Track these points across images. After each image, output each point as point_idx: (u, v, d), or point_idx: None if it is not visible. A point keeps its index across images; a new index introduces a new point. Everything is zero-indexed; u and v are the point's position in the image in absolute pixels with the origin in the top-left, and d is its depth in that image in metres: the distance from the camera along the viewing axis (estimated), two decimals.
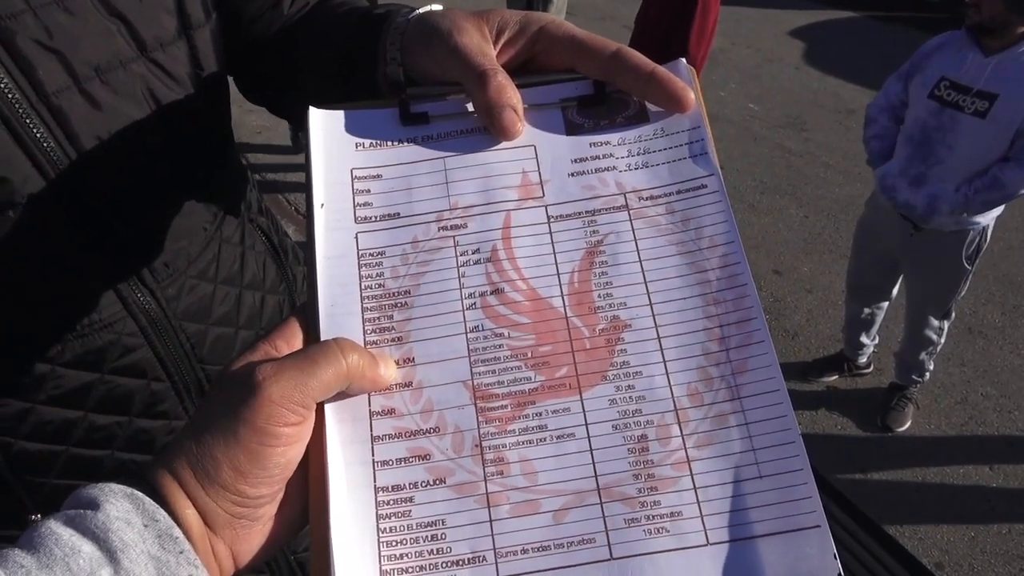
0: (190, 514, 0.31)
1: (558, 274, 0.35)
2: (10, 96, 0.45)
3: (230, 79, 0.63)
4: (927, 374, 2.51)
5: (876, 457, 2.48)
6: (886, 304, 2.59)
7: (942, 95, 2.03)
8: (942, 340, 2.44)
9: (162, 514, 0.30)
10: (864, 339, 2.67)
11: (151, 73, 0.52)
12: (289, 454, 0.31)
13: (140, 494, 0.30)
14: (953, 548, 2.19)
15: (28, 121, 0.46)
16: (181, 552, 0.29)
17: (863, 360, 2.75)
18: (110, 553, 0.28)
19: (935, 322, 2.38)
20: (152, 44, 0.52)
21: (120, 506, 0.30)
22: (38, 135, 0.47)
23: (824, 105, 4.83)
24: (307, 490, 0.31)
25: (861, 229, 2.50)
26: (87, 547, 0.28)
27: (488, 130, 0.38)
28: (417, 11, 0.46)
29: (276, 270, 0.71)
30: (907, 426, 2.57)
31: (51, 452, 0.56)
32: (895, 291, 2.55)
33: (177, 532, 0.30)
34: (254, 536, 0.32)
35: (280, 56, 0.59)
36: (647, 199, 0.37)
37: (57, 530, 0.29)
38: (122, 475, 0.32)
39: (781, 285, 3.33)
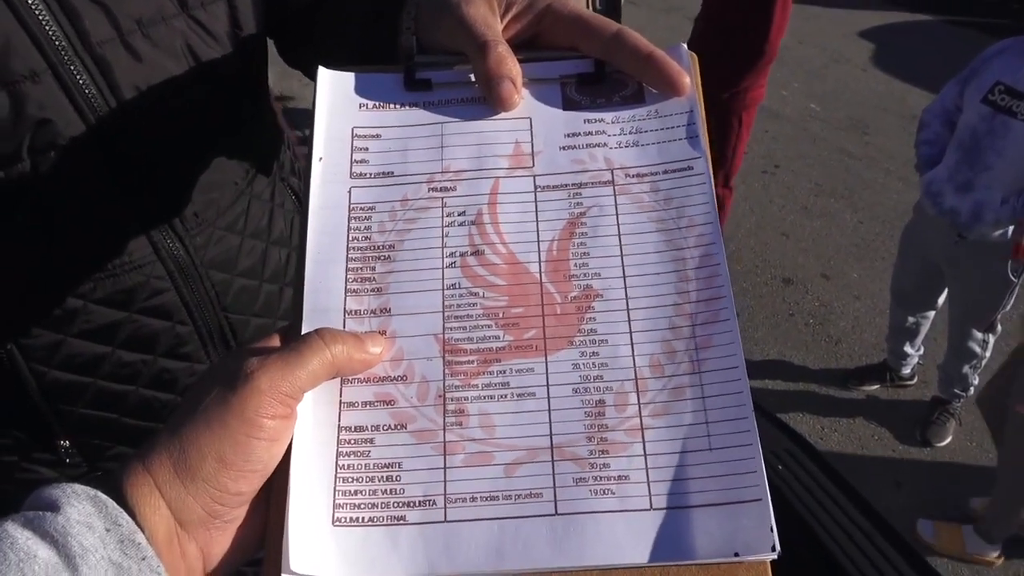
0: (159, 517, 0.30)
1: (538, 241, 0.37)
2: (57, 43, 0.48)
3: (270, 43, 0.65)
4: (971, 389, 2.44)
5: (912, 471, 2.42)
6: (931, 314, 2.52)
7: (996, 100, 1.96)
8: (987, 354, 2.36)
9: (125, 518, 0.29)
10: (908, 349, 2.61)
11: (191, 30, 0.55)
12: (273, 450, 0.31)
13: (104, 496, 0.29)
14: (985, 570, 2.14)
15: (72, 68, 0.49)
16: (144, 558, 0.28)
17: (906, 371, 2.69)
18: (68, 558, 0.27)
19: (978, 335, 2.31)
20: (193, 2, 0.55)
21: (82, 508, 0.29)
22: (81, 82, 0.50)
23: (889, 109, 4.69)
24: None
25: (907, 234, 2.44)
26: (44, 552, 0.27)
27: (487, 100, 0.39)
28: None
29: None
30: (947, 441, 2.50)
31: (80, 383, 0.60)
32: (941, 300, 2.48)
33: (140, 537, 0.29)
34: (226, 538, 0.31)
35: (314, 21, 0.61)
36: (633, 176, 0.38)
37: (13, 532, 0.28)
38: (95, 479, 0.32)
39: (828, 290, 3.26)
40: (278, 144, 0.71)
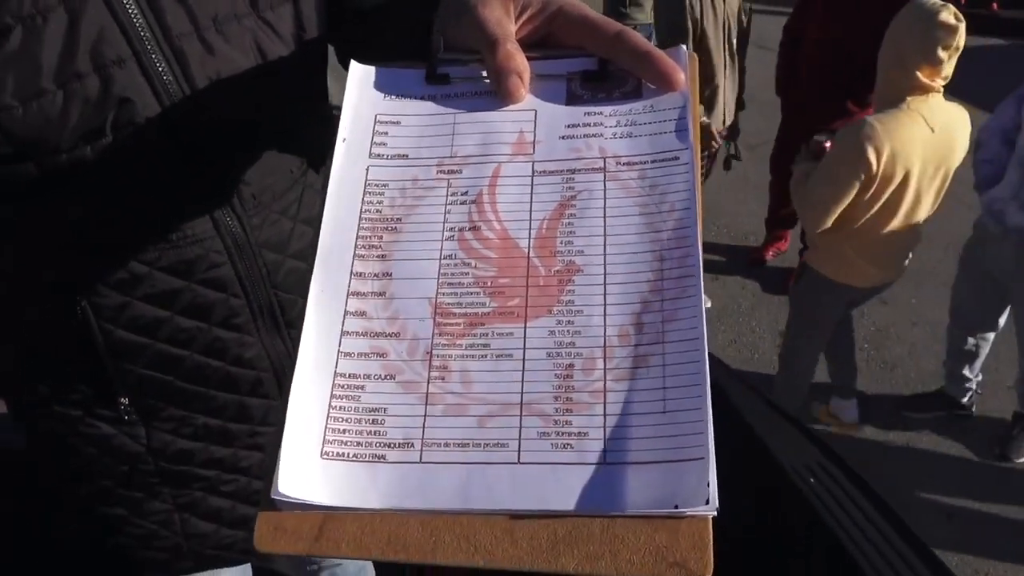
0: None
1: (530, 220, 0.40)
2: (142, 34, 0.55)
3: (331, 50, 0.71)
4: None
5: (964, 503, 2.34)
6: (991, 335, 2.46)
7: None
8: None
9: None
10: (967, 372, 2.54)
11: (260, 29, 0.61)
12: None
13: None
14: None
15: (154, 56, 0.56)
16: None
17: (965, 399, 2.61)
18: None
19: None
20: (264, 4, 0.61)
21: None
22: (160, 69, 0.57)
23: None
24: None
25: (967, 254, 2.39)
26: None
27: (496, 93, 0.43)
28: None
29: None
30: None
31: (142, 344, 0.67)
32: (1002, 321, 2.41)
33: None
34: None
35: (369, 29, 0.68)
36: (624, 164, 0.41)
37: None
38: None
39: (885, 314, 3.19)
40: (332, 139, 0.77)
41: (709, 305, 3.21)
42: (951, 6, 1.84)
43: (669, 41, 2.61)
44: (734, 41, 2.85)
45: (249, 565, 0.95)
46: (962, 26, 1.81)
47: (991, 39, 5.90)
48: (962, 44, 1.83)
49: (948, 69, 1.86)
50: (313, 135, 0.73)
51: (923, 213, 2.04)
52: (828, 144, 2.04)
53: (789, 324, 2.43)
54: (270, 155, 0.67)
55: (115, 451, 0.72)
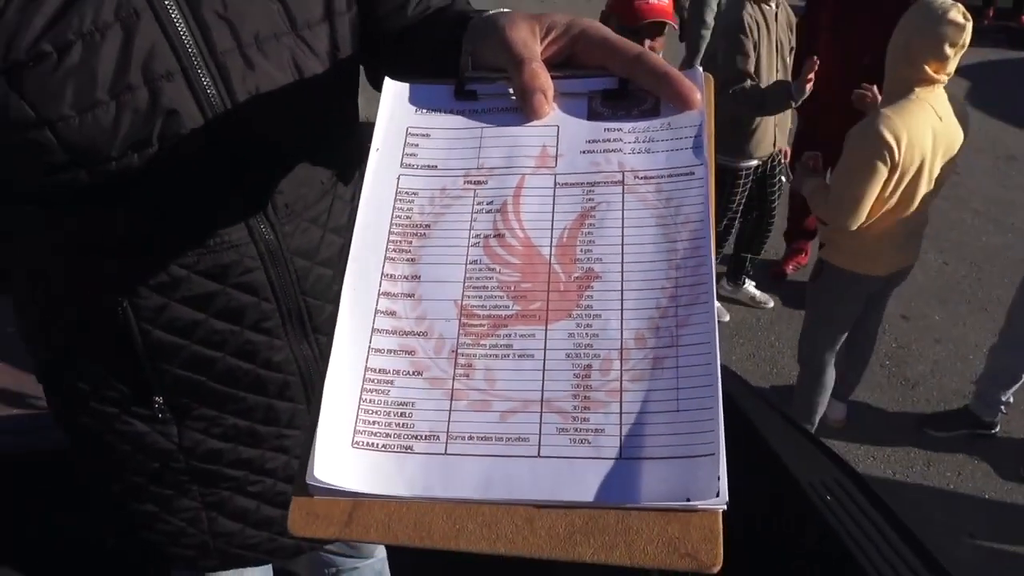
0: None
1: (552, 229, 0.43)
2: (190, 50, 0.59)
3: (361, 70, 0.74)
4: None
5: (987, 522, 2.32)
6: None
7: None
8: None
9: None
10: (1003, 395, 2.52)
11: (297, 47, 0.64)
12: None
13: None
14: None
15: (199, 71, 0.59)
16: None
17: (991, 418, 2.58)
18: None
19: None
20: (302, 23, 0.64)
21: None
22: (205, 83, 0.60)
23: (982, 149, 4.53)
24: None
25: None
26: None
27: (522, 109, 0.45)
28: (492, 12, 0.55)
29: None
30: None
31: (178, 344, 0.70)
32: None
33: None
34: None
35: (398, 51, 0.70)
36: (641, 178, 0.43)
37: None
38: None
39: (907, 331, 3.17)
40: (361, 155, 0.80)
41: (726, 319, 3.21)
42: (959, 5, 1.92)
43: (731, 67, 2.59)
44: (786, 57, 2.83)
45: (271, 566, 0.97)
46: (969, 24, 1.89)
47: (1019, 52, 5.86)
48: (968, 42, 1.91)
49: (953, 65, 1.96)
50: (344, 149, 0.76)
51: (932, 197, 2.14)
52: (816, 157, 2.20)
53: (807, 325, 2.45)
54: (303, 167, 0.70)
55: (148, 448, 0.75)
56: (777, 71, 2.80)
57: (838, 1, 2.82)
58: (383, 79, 0.76)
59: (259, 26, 0.62)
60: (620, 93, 0.46)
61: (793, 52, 2.87)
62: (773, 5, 2.70)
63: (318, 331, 0.76)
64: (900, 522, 1.15)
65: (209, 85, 0.60)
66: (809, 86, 2.48)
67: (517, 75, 0.45)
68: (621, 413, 0.37)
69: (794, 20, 2.84)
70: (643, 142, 0.45)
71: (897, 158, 1.92)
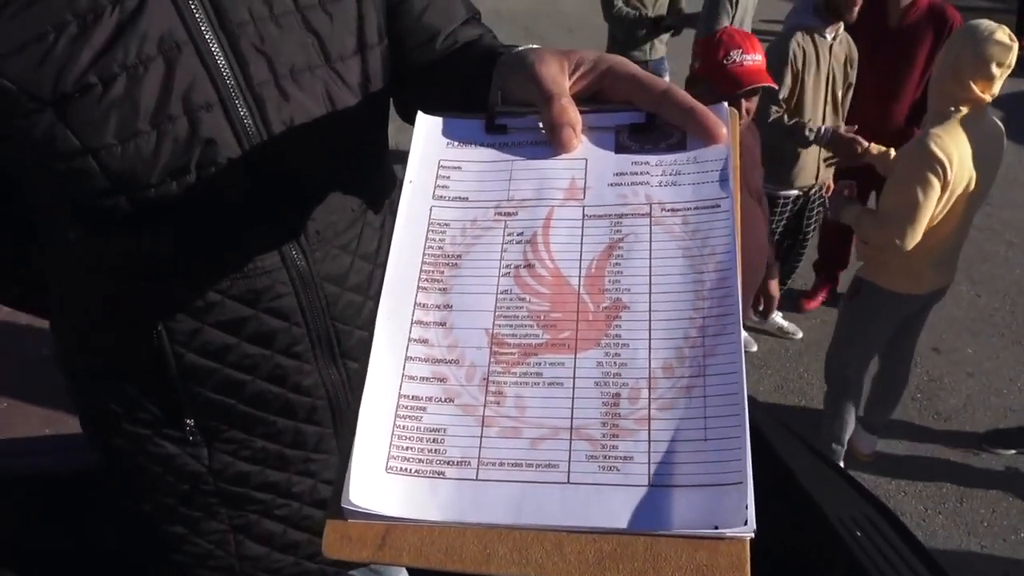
0: None
1: (580, 260, 0.43)
2: (229, 83, 0.61)
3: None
4: None
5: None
6: None
7: None
8: None
9: None
10: None
11: (331, 79, 0.66)
12: None
13: None
14: None
15: (237, 102, 0.61)
16: None
17: None
18: None
19: None
20: (335, 56, 0.66)
21: None
22: (242, 113, 0.62)
23: (1017, 180, 4.47)
24: None
25: None
26: None
27: (551, 143, 0.46)
28: (521, 47, 0.56)
29: None
30: None
31: (210, 368, 0.71)
32: None
33: None
34: None
35: (426, 84, 0.72)
36: (668, 211, 0.44)
37: None
38: None
39: (939, 364, 3.11)
40: (390, 182, 0.82)
41: (754, 349, 3.18)
42: (1005, 27, 1.97)
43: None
44: (839, 93, 2.77)
45: None
46: (1015, 46, 1.94)
47: None
48: (1014, 62, 1.96)
49: (998, 86, 2.01)
50: (374, 177, 0.78)
51: (973, 215, 2.15)
52: (851, 186, 2.22)
53: (838, 340, 2.46)
54: (335, 194, 0.72)
55: (178, 470, 0.76)
56: (826, 105, 2.75)
57: (870, 35, 2.81)
58: (412, 110, 0.78)
59: (294, 59, 0.63)
60: (647, 127, 0.47)
61: (851, 89, 2.80)
62: (828, 37, 2.64)
63: (346, 356, 0.77)
64: (932, 560, 1.12)
65: (246, 116, 0.62)
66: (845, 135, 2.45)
67: (546, 110, 0.46)
68: (649, 441, 0.37)
69: (855, 56, 2.77)
70: (670, 175, 0.46)
71: (949, 175, 1.96)
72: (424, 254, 0.44)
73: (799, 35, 2.60)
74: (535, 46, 0.55)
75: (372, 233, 0.78)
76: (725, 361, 0.38)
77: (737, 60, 1.99)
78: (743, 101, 1.99)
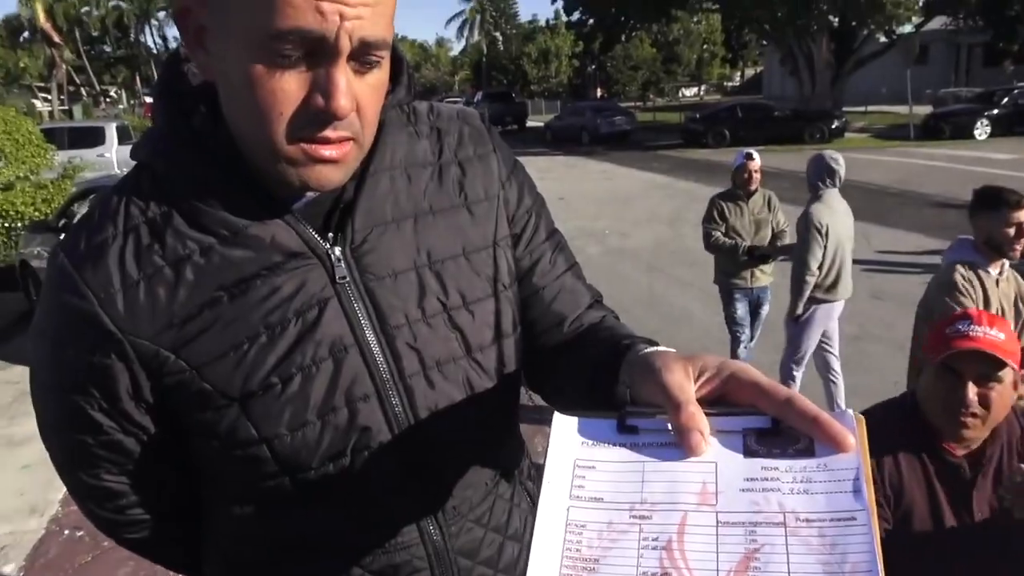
0: None
1: (717, 571, 0.44)
2: (384, 376, 0.68)
3: None
4: None
5: None
6: None
7: None
8: None
9: None
10: None
11: (471, 368, 0.73)
12: None
13: None
14: None
15: (390, 392, 0.69)
16: None
17: None
18: None
19: None
20: (475, 348, 0.74)
21: None
22: (394, 403, 0.69)
23: None
24: None
25: None
26: None
27: (680, 446, 0.49)
28: (646, 349, 0.61)
29: None
30: None
31: None
32: None
33: None
34: None
35: (553, 362, 0.78)
36: (803, 520, 0.44)
37: None
38: None
39: None
40: (520, 453, 0.86)
41: None
42: None
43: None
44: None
45: None
46: None
47: None
48: None
49: None
50: (505, 449, 0.82)
51: None
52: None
53: None
54: (471, 470, 0.76)
55: None
56: None
57: None
58: (538, 381, 0.83)
59: (440, 352, 0.71)
60: (774, 432, 0.49)
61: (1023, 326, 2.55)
62: (994, 272, 2.50)
63: None
64: None
65: (397, 404, 0.69)
66: None
67: (675, 417, 0.49)
68: None
69: None
70: (800, 482, 0.46)
71: None
72: (563, 556, 0.46)
73: (960, 267, 2.45)
74: (660, 348, 0.59)
75: (503, 505, 0.80)
76: None
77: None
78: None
